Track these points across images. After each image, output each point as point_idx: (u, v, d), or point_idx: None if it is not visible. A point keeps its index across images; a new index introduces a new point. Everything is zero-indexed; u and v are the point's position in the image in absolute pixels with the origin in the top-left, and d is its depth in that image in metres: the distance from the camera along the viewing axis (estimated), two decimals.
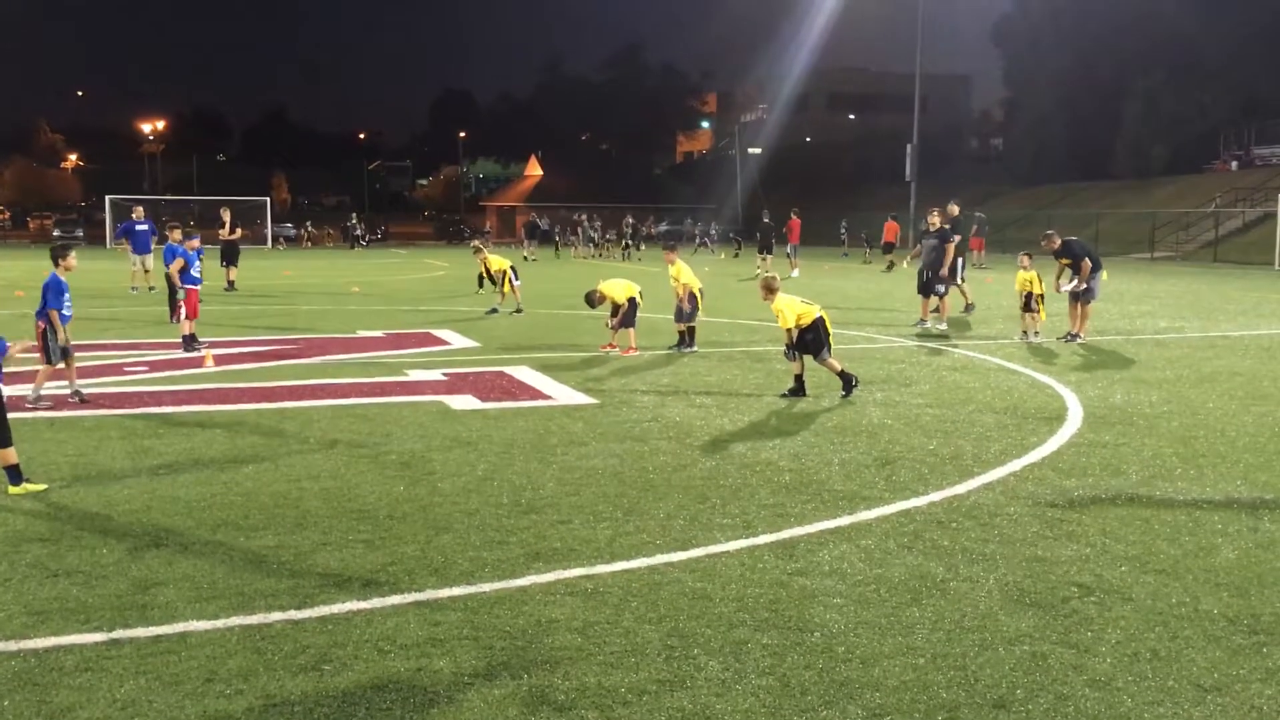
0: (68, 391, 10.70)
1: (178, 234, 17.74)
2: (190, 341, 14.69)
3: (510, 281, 20.46)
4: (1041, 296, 16.37)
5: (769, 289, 11.45)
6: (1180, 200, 55.35)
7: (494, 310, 20.41)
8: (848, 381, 11.31)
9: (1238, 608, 5.33)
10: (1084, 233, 54.09)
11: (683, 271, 14.99)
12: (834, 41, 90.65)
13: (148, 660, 4.64)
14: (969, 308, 20.94)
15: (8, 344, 7.76)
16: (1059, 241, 17.19)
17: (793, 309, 11.15)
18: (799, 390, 11.29)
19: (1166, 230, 51.53)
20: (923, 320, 18.39)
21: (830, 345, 11.29)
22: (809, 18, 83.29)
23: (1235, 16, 59.35)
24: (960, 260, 20.87)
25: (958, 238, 19.35)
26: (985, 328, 18.50)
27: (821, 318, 11.20)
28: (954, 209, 21.78)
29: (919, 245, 19.02)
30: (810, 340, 11.15)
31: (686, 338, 14.87)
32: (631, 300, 14.64)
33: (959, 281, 20.93)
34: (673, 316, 15.17)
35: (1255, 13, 59.51)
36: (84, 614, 5.14)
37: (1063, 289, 16.66)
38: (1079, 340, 16.21)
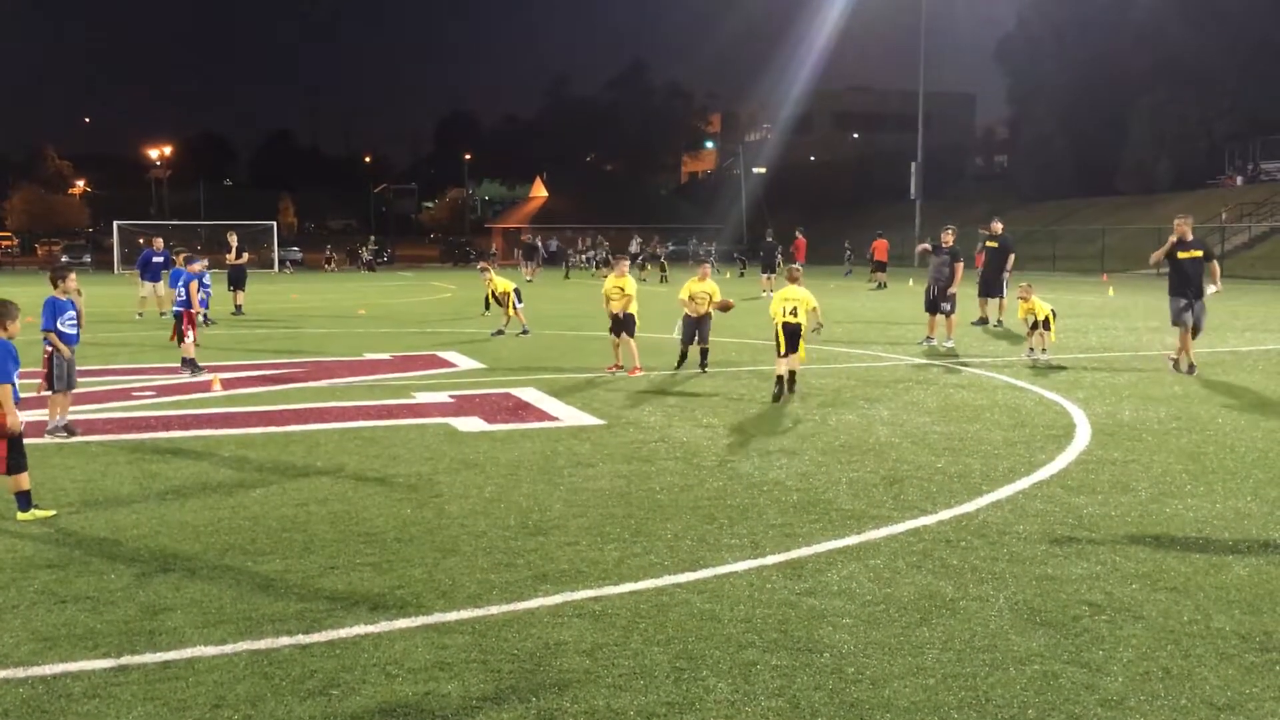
0: (60, 424, 10.32)
1: (181, 258, 17.92)
2: (189, 364, 14.76)
3: (514, 304, 20.56)
4: (1047, 320, 16.03)
5: (791, 279, 13.18)
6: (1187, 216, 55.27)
7: (499, 332, 20.45)
8: (779, 388, 12.38)
9: (1250, 625, 5.30)
10: (1089, 248, 54.27)
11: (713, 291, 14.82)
12: (837, 61, 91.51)
13: (155, 686, 4.63)
14: (983, 321, 21.17)
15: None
16: (1190, 232, 14.89)
17: (780, 304, 12.69)
18: (779, 394, 12.36)
19: None
20: (929, 338, 18.38)
21: (782, 353, 12.44)
22: (812, 37, 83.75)
23: (1239, 33, 59.46)
24: (1005, 277, 21.45)
25: (964, 258, 19.53)
26: (992, 345, 18.48)
27: (789, 325, 12.45)
28: (998, 226, 22.40)
29: (926, 251, 19.17)
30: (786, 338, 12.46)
31: (699, 358, 14.75)
32: (629, 316, 14.61)
33: (1001, 295, 21.47)
34: (682, 338, 14.95)
35: (1259, 29, 59.62)
36: (92, 640, 5.14)
37: (1209, 292, 14.75)
38: (1194, 371, 14.33)
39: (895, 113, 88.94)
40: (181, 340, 14.93)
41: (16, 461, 7.33)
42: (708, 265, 15.68)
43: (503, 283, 21.10)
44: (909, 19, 65.41)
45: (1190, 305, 14.55)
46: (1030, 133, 75.30)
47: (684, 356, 14.85)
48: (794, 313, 12.58)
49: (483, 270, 22.30)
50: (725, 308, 14.98)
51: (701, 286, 14.68)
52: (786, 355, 12.47)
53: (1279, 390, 13.03)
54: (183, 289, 15.32)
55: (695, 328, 14.70)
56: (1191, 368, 14.46)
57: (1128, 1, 65.93)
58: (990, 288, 21.82)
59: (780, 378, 12.44)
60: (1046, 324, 16.01)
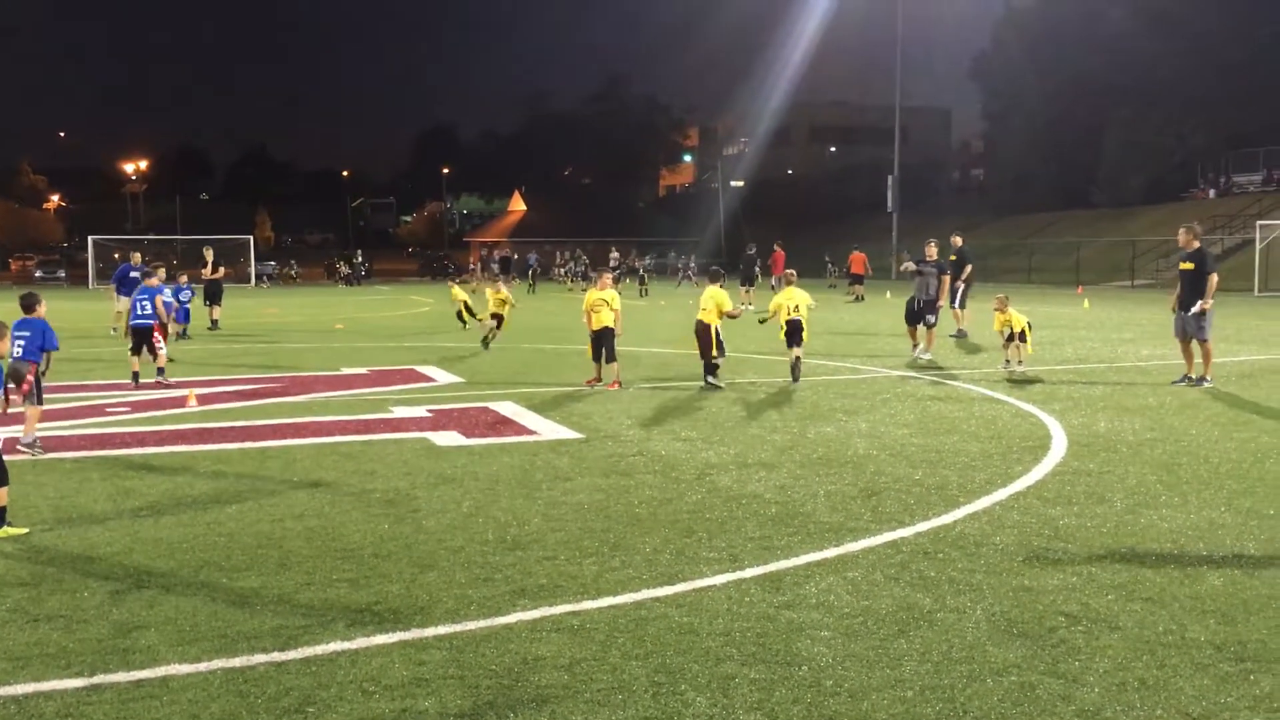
0: (30, 440, 10.18)
1: (163, 273, 17.90)
2: (136, 377, 14.94)
3: (469, 312, 21.07)
4: (1023, 333, 16.08)
5: (788, 282, 16.15)
6: (1159, 228, 55.75)
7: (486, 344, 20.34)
8: (796, 371, 14.98)
9: (1224, 635, 5.33)
10: (1064, 261, 54.68)
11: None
12: (814, 75, 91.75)
13: (129, 705, 4.58)
14: (960, 334, 21.34)
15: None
16: (1198, 242, 14.63)
17: (784, 303, 15.36)
18: (796, 376, 14.97)
19: (1147, 258, 51.90)
20: (918, 345, 18.49)
21: (789, 341, 15.18)
22: (789, 52, 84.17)
23: (1210, 49, 60.15)
24: (963, 287, 21.82)
25: (963, 269, 19.78)
26: (970, 357, 18.57)
27: (792, 320, 15.12)
28: (957, 240, 22.74)
29: (908, 265, 19.47)
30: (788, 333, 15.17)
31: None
32: (609, 330, 14.58)
33: (958, 307, 21.78)
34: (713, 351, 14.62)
35: (1230, 45, 60.33)
36: (64, 659, 5.08)
37: (1192, 312, 14.18)
38: (1208, 384, 14.14)
39: (872, 127, 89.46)
40: (155, 354, 15.01)
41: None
42: (793, 272, 17.18)
43: (494, 295, 21.18)
44: (885, 34, 66.03)
45: (1181, 318, 14.46)
46: (1006, 147, 75.85)
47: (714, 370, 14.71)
48: (795, 309, 15.20)
49: (463, 282, 22.46)
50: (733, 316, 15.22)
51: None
52: (793, 346, 15.11)
53: (1252, 401, 13.15)
54: (148, 303, 15.36)
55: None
56: (1185, 379, 14.46)
57: (1101, 18, 66.59)
58: (952, 300, 22.16)
59: (796, 360, 15.11)
60: (1023, 336, 16.06)
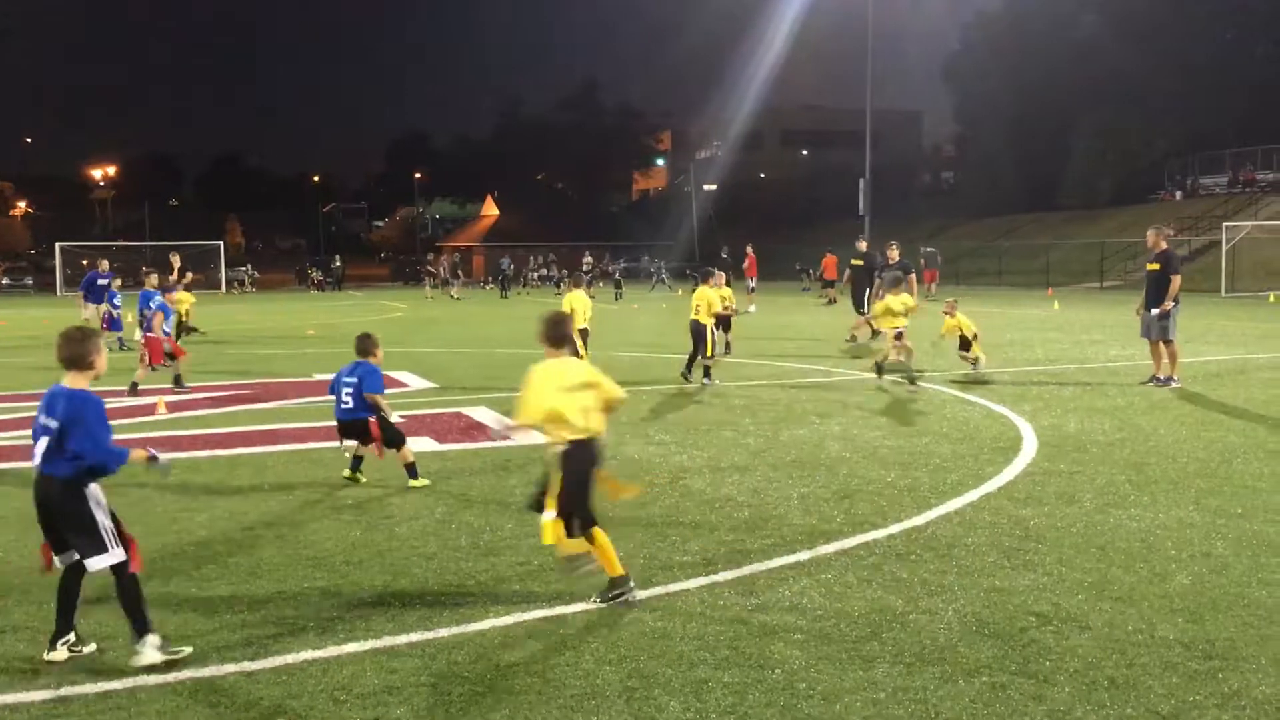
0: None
1: (154, 279, 17.80)
2: (134, 388, 14.82)
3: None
4: (975, 335, 16.10)
5: (722, 283, 17.10)
6: (1128, 230, 56.25)
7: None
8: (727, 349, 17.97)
9: (1193, 633, 5.38)
10: (1034, 263, 55.11)
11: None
12: (786, 79, 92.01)
13: (97, 717, 4.54)
14: (853, 339, 21.40)
15: None
16: (1165, 244, 14.69)
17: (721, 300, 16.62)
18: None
19: (1115, 260, 52.35)
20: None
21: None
22: (761, 56, 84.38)
23: (1177, 53, 60.79)
24: (867, 293, 22.05)
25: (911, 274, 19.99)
26: (942, 360, 18.64)
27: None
28: (861, 245, 23.35)
29: (879, 279, 19.73)
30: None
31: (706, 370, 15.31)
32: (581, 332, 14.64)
33: (864, 312, 21.76)
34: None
35: (1197, 49, 61.02)
36: (31, 671, 5.02)
37: (1154, 313, 14.31)
38: (1175, 384, 14.21)
39: (844, 130, 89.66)
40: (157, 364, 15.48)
41: (392, 437, 8.91)
42: (721, 275, 17.47)
43: (186, 298, 21.16)
44: (856, 38, 66.21)
45: (1147, 318, 14.58)
46: (976, 150, 76.39)
47: (705, 369, 15.36)
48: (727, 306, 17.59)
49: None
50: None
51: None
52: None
53: (1219, 401, 13.28)
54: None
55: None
56: (1154, 379, 14.54)
57: (1070, 22, 67.21)
58: (857, 305, 22.60)
59: (728, 342, 18.07)
60: (975, 337, 16.08)
